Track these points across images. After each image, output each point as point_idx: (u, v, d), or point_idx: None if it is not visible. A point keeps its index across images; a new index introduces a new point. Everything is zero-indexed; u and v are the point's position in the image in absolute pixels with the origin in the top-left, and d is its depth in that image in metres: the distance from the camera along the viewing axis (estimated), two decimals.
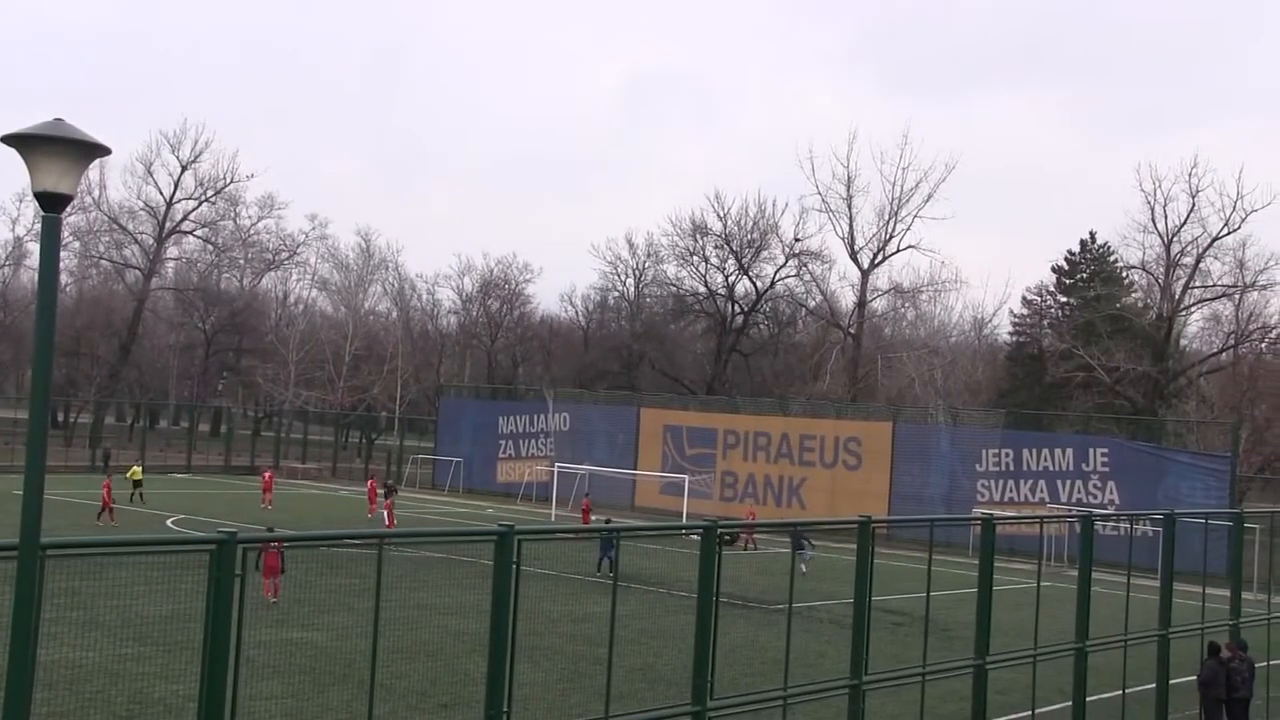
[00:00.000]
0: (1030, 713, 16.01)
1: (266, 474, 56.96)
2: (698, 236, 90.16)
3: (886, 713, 16.22)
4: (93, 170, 78.42)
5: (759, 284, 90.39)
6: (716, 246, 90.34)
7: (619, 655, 11.34)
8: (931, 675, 14.68)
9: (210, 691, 8.78)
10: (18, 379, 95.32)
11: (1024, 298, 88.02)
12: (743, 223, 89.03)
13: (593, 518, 45.34)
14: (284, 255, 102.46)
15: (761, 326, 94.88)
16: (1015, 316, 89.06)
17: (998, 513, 23.09)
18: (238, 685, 8.76)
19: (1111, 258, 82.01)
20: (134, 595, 24.15)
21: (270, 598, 25.17)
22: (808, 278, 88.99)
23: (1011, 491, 54.16)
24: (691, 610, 12.09)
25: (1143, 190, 75.17)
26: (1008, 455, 54.76)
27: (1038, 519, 22.52)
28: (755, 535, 41.39)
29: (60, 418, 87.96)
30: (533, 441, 69.60)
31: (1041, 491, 53.33)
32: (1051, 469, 53.49)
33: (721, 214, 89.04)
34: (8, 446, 64.93)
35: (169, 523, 43.26)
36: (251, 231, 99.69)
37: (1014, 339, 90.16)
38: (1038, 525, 22.24)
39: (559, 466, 60.16)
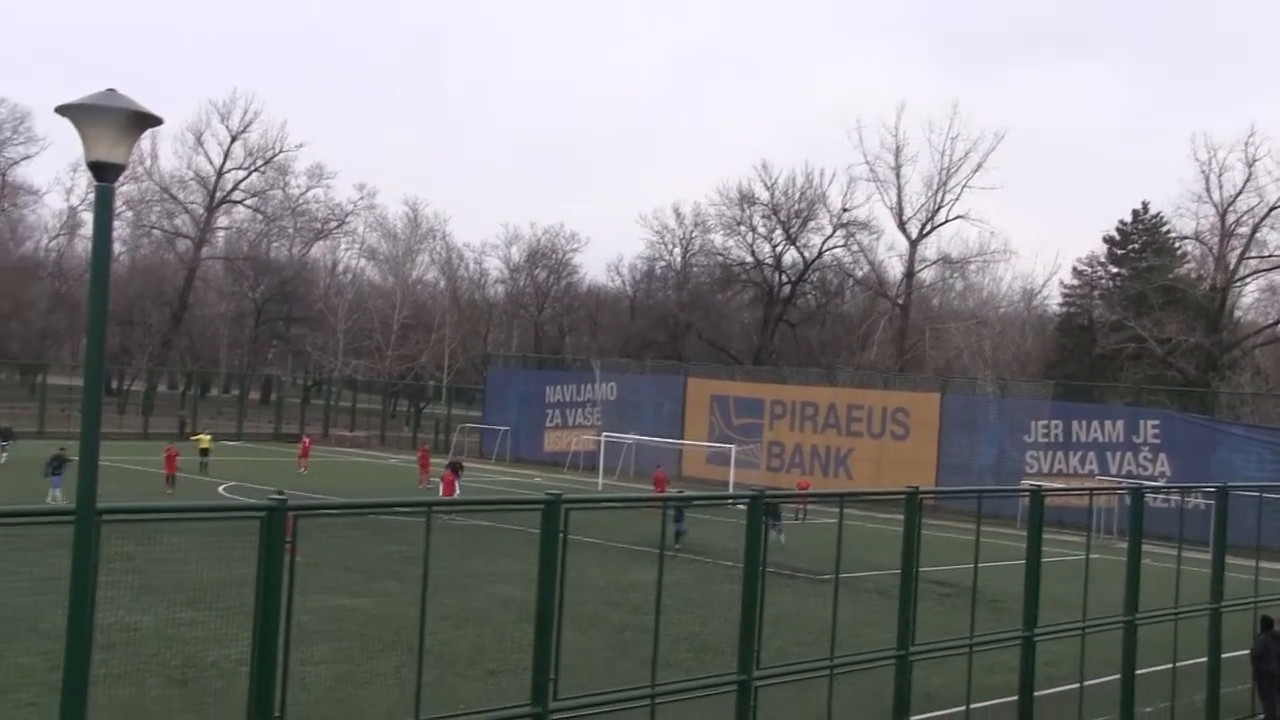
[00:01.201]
0: (1079, 685, 15.93)
1: (305, 440, 58.30)
2: (745, 206, 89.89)
3: (933, 684, 16.19)
4: (144, 140, 79.11)
5: (806, 254, 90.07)
6: (764, 216, 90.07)
7: (666, 624, 11.38)
8: (979, 647, 14.63)
9: (262, 656, 8.89)
10: (73, 347, 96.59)
11: (1074, 268, 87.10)
12: (790, 192, 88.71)
13: (668, 489, 44.86)
14: (332, 224, 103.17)
15: (809, 296, 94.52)
16: (1065, 287, 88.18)
17: (1046, 484, 22.89)
18: (288, 650, 8.87)
19: (1164, 228, 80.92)
20: (187, 560, 24.52)
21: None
22: (855, 248, 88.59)
23: (1061, 463, 53.78)
24: (738, 580, 12.10)
25: (1197, 160, 74.05)
26: (1057, 427, 54.35)
27: (1087, 491, 22.36)
28: (808, 505, 41.34)
29: (114, 385, 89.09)
30: (580, 411, 69.78)
31: (1091, 463, 52.93)
32: (1101, 441, 53.05)
33: (769, 184, 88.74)
34: (64, 413, 65.92)
35: (220, 489, 43.77)
36: (300, 201, 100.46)
37: (1064, 310, 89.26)
38: (1087, 497, 22.07)
39: (606, 436, 60.30)
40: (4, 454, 50.19)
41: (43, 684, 14.85)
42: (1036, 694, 15.35)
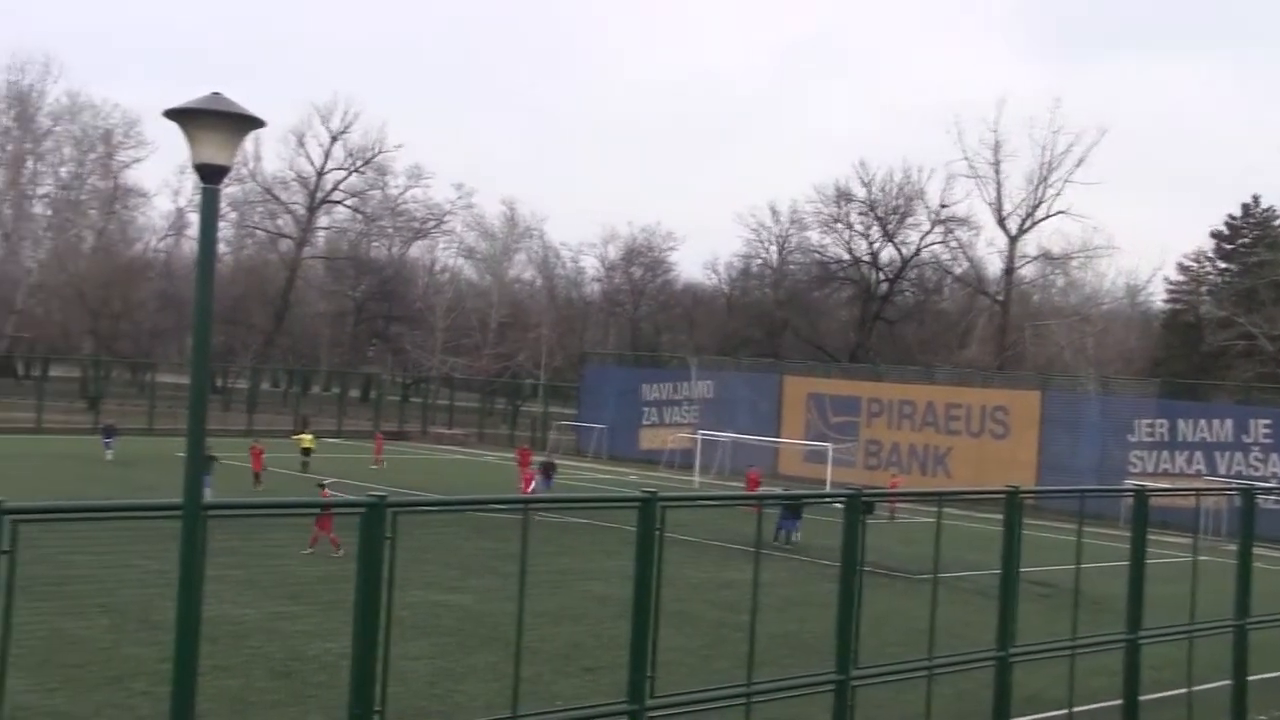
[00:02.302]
0: (1186, 690, 15.58)
1: (378, 437, 59.47)
2: (842, 203, 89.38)
3: (1034, 685, 15.93)
4: (248, 142, 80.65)
5: (904, 251, 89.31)
6: (861, 213, 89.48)
7: (762, 623, 11.34)
8: (1081, 649, 14.38)
9: (362, 650, 9.02)
10: (180, 345, 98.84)
11: (1180, 264, 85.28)
12: (888, 189, 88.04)
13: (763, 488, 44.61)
14: (431, 224, 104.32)
15: (907, 294, 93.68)
16: (1171, 283, 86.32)
17: (1151, 484, 22.45)
18: (388, 645, 8.98)
19: (1276, 222, 78.91)
20: (289, 555, 24.94)
21: (308, 548, 25.77)
22: (954, 244, 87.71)
23: (1166, 462, 52.65)
24: (835, 579, 12.02)
25: None
26: (1162, 425, 53.22)
27: (1194, 491, 21.87)
28: (898, 504, 40.87)
29: (219, 383, 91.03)
30: (676, 408, 69.82)
31: (1198, 463, 51.75)
32: (1209, 440, 51.83)
33: (866, 180, 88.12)
34: (171, 410, 67.45)
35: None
36: (399, 201, 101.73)
37: (1169, 306, 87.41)
38: (1194, 498, 21.57)
39: (702, 434, 60.26)
40: (110, 451, 51.29)
41: (154, 673, 15.21)
42: (1142, 698, 15.05)
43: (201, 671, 8.36)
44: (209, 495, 37.40)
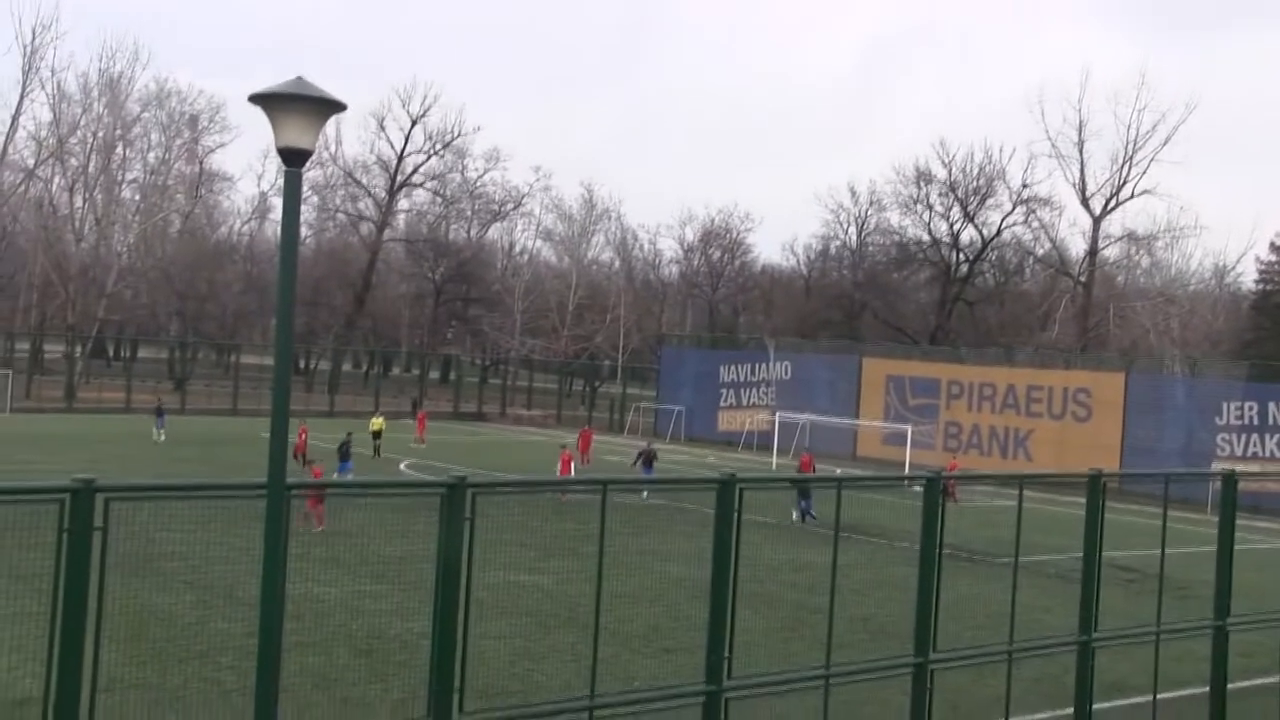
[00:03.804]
0: (1278, 679, 15.30)
1: (420, 415, 60.26)
2: (921, 184, 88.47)
3: (1118, 671, 15.73)
4: (329, 127, 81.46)
5: (985, 232, 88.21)
6: (941, 194, 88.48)
7: (840, 605, 11.31)
8: (1166, 635, 14.16)
9: (442, 629, 9.11)
10: (263, 327, 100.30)
11: (1272, 243, 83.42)
12: (968, 169, 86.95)
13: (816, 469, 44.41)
14: (509, 206, 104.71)
15: (987, 275, 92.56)
16: (1261, 263, 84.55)
17: (1240, 468, 22.02)
18: (468, 624, 9.06)
19: None
20: (370, 535, 25.18)
21: (313, 525, 25.75)
22: (1036, 225, 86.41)
23: (1256, 446, 51.56)
24: (913, 562, 11.95)
25: None
26: (1251, 408, 52.10)
27: None
28: (957, 485, 40.06)
29: (301, 365, 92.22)
30: (754, 390, 69.63)
31: None
32: None
33: (946, 161, 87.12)
34: (254, 391, 68.54)
35: (402, 466, 44.90)
36: (478, 184, 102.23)
37: (1260, 287, 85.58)
38: None
39: (780, 415, 60.06)
40: (160, 433, 50.56)
41: (240, 649, 15.48)
42: (1231, 686, 14.79)
43: (285, 647, 8.50)
44: None
